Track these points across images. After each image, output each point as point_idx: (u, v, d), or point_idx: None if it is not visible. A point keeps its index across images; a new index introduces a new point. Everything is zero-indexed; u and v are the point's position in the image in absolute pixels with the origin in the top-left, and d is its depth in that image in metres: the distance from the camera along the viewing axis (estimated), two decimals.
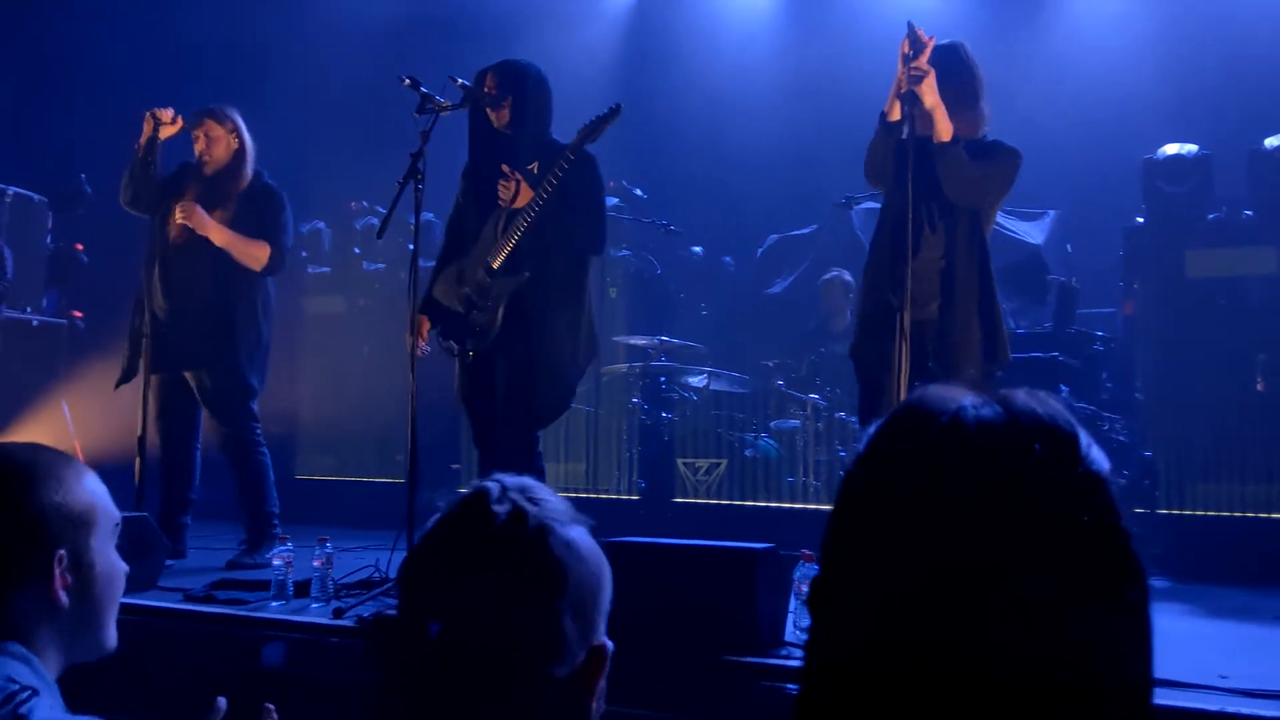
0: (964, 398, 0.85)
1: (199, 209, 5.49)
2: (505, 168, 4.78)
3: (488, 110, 4.86)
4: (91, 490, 1.69)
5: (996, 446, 0.81)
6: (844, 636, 0.83)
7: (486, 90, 4.83)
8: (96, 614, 1.68)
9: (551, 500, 1.24)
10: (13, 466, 1.64)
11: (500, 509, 1.20)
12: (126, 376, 5.61)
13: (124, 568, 1.74)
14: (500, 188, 4.79)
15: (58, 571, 1.62)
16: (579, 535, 1.23)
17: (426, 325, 4.96)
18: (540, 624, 1.18)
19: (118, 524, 1.73)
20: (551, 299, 4.79)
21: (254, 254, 5.57)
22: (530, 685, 1.17)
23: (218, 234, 5.51)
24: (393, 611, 1.25)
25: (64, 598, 1.63)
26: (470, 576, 1.18)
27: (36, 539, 1.62)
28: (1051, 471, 0.80)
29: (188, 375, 5.59)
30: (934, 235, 4.47)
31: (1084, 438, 0.83)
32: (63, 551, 1.63)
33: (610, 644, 1.24)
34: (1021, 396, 0.84)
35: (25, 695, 1.51)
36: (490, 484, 1.23)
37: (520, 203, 4.75)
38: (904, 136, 4.38)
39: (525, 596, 1.18)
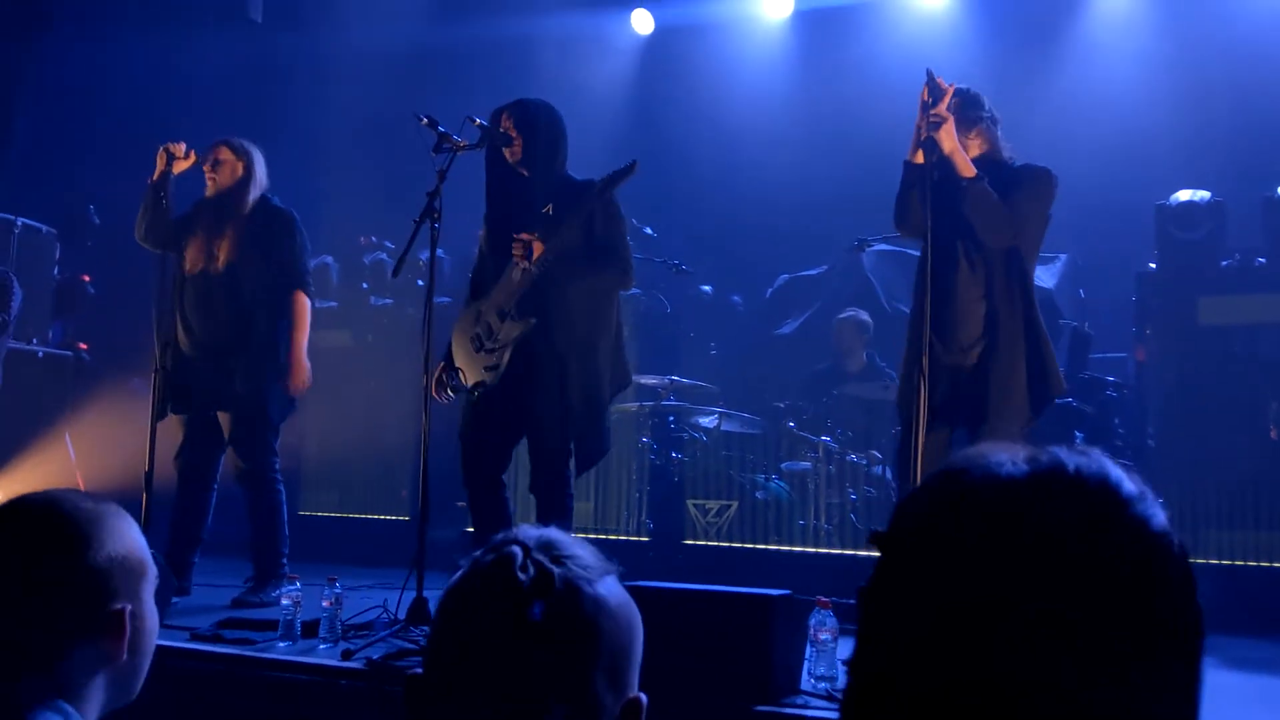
0: (994, 456, 0.85)
1: (296, 374, 5.58)
2: (522, 235, 4.71)
3: (504, 149, 4.86)
4: (140, 541, 1.68)
5: (1018, 503, 0.81)
6: (864, 688, 0.84)
7: (502, 129, 4.83)
8: (141, 666, 1.67)
9: (578, 554, 1.21)
10: (81, 520, 1.61)
11: (525, 576, 1.16)
12: (161, 414, 5.57)
13: (158, 617, 1.73)
14: (514, 247, 4.73)
15: (130, 627, 1.61)
16: (608, 589, 1.20)
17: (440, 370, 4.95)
18: (574, 689, 1.15)
19: (156, 573, 1.73)
20: (573, 342, 4.75)
21: (307, 313, 5.61)
22: None
23: (300, 354, 5.57)
24: (419, 670, 1.22)
25: (125, 653, 1.61)
26: (499, 646, 1.15)
27: (103, 594, 1.60)
28: (1076, 528, 0.79)
29: (216, 413, 5.58)
30: (972, 275, 4.46)
31: (1127, 491, 0.82)
32: (130, 606, 1.62)
33: (645, 697, 1.21)
34: (1054, 453, 0.84)
35: None
36: (514, 548, 1.19)
37: (534, 258, 4.72)
38: (927, 171, 4.39)
39: (557, 664, 1.15)
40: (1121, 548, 0.79)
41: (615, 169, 4.70)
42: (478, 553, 1.23)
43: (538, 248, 4.67)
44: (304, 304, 5.62)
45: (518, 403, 4.82)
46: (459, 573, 1.23)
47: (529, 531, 1.23)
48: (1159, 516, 0.82)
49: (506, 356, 4.80)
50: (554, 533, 1.23)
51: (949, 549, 0.81)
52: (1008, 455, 0.85)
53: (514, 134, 4.82)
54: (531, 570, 1.16)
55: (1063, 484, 0.82)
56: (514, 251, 4.72)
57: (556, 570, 1.17)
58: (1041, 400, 4.39)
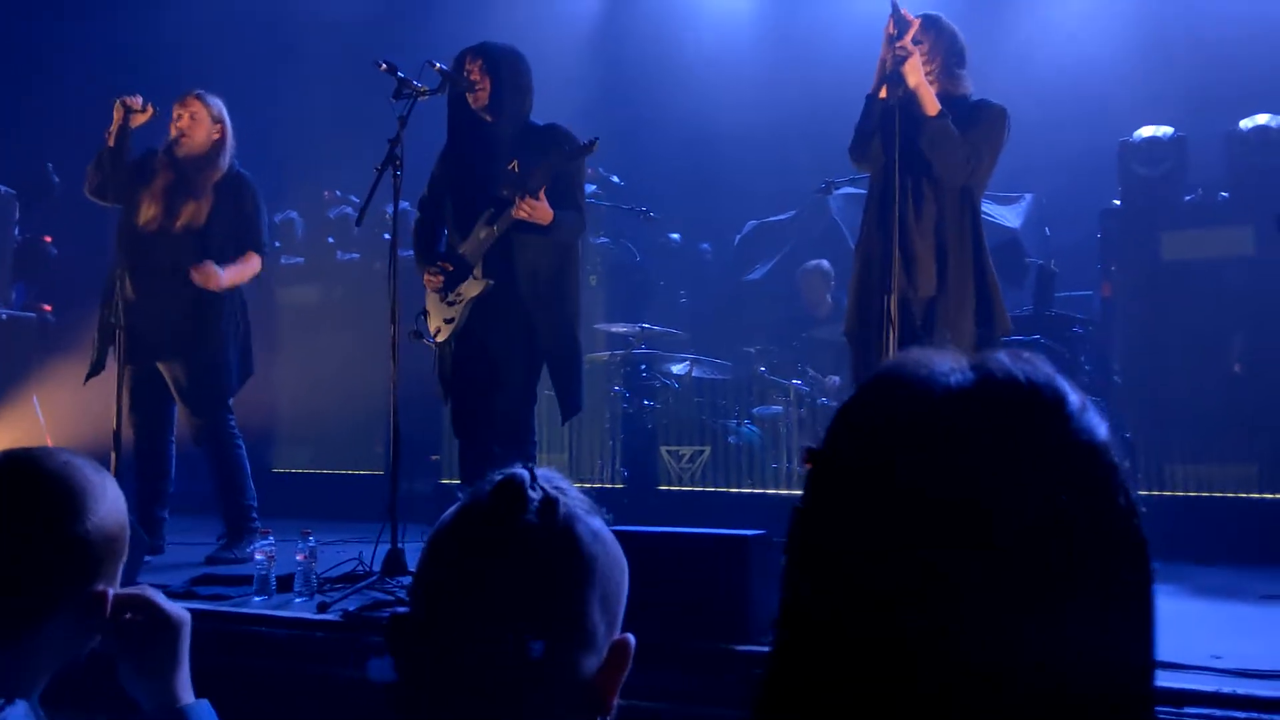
0: (941, 362, 0.79)
1: (210, 268, 5.40)
2: (523, 205, 4.64)
3: (467, 95, 4.80)
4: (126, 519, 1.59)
5: (964, 417, 0.75)
6: (800, 627, 0.79)
7: (466, 74, 4.77)
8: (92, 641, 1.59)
9: (573, 490, 1.23)
10: (93, 490, 1.53)
11: (534, 495, 1.17)
12: (95, 369, 5.51)
13: None
14: (519, 208, 4.64)
15: (109, 610, 1.53)
16: (601, 526, 1.22)
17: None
18: (571, 614, 1.15)
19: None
20: (538, 295, 4.80)
21: (253, 271, 5.61)
22: (561, 678, 1.13)
23: (228, 278, 5.47)
24: (405, 608, 1.21)
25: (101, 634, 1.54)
26: (502, 565, 1.15)
27: (99, 568, 1.53)
28: (1026, 443, 0.74)
29: (160, 366, 5.50)
30: (924, 212, 4.45)
31: (1073, 402, 0.77)
32: (111, 590, 1.54)
33: (633, 639, 1.21)
34: (1001, 360, 0.78)
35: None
36: (521, 471, 1.21)
37: (524, 215, 4.67)
38: (891, 106, 4.36)
39: (557, 585, 1.15)
40: (1079, 471, 0.74)
41: (580, 143, 4.71)
42: (473, 487, 1.23)
43: (532, 208, 4.62)
44: (256, 262, 5.63)
45: (487, 356, 4.84)
46: (453, 507, 1.23)
47: (534, 466, 1.24)
48: (1099, 427, 0.77)
49: (465, 313, 4.82)
50: (551, 470, 1.25)
51: (890, 464, 0.75)
52: (951, 362, 0.79)
53: (479, 79, 4.76)
54: (539, 492, 1.18)
55: (1013, 394, 0.76)
56: (518, 212, 4.64)
57: (561, 498, 1.19)
58: (987, 340, 4.41)
